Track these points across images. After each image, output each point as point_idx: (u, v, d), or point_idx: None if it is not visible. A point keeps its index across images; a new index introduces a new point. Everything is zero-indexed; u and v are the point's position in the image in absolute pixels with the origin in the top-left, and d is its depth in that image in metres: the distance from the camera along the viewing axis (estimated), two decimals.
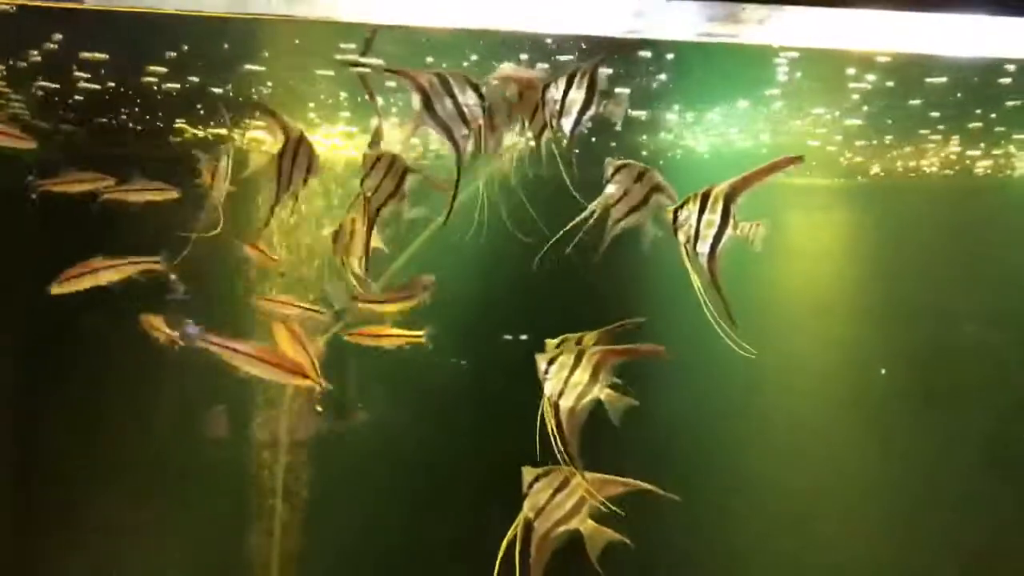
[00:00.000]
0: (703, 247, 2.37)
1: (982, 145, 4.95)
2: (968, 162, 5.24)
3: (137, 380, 4.55)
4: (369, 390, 5.02)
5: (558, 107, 2.49)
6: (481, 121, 2.49)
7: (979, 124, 4.52)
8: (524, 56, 3.17)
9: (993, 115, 4.34)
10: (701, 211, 2.37)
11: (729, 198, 2.36)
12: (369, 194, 2.64)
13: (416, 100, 2.43)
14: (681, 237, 2.41)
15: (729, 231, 2.35)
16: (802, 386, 4.94)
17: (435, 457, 4.79)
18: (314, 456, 4.82)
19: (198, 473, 4.74)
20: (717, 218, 2.35)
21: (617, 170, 2.54)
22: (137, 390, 4.66)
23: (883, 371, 4.93)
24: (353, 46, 3.30)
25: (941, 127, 4.60)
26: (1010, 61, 3.58)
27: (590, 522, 2.47)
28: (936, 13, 3.04)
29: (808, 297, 5.09)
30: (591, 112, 2.49)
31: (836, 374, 5.05)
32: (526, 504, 2.46)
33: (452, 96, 2.44)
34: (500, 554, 2.43)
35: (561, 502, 2.45)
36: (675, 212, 2.42)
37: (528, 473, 2.47)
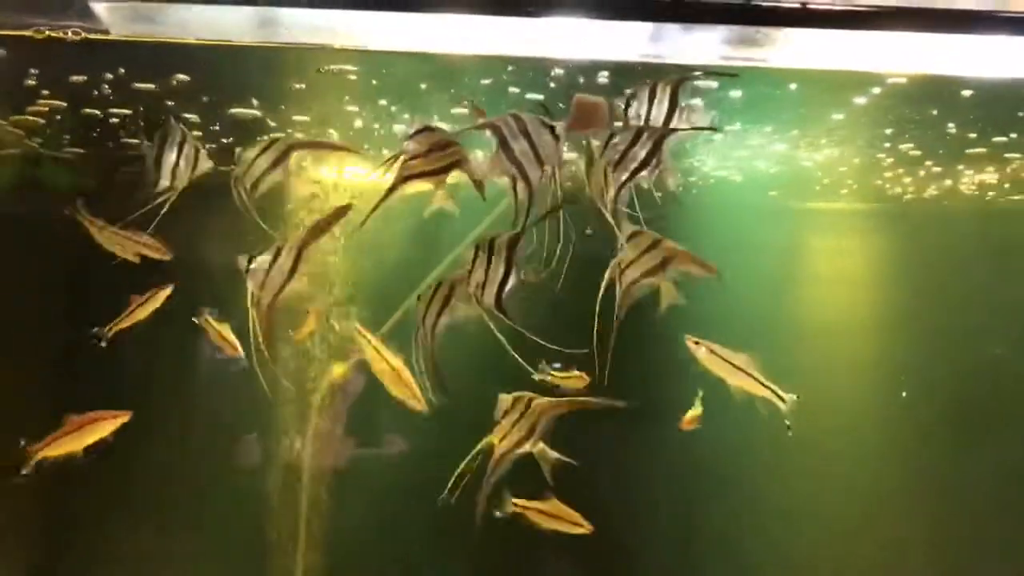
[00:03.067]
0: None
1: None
2: (998, 185, 5.16)
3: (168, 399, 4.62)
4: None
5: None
6: (555, 163, 2.48)
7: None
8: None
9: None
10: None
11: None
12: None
13: (493, 142, 2.43)
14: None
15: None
16: (830, 414, 4.85)
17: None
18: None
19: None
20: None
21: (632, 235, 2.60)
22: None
23: (904, 395, 4.83)
24: None
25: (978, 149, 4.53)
26: None
27: (540, 444, 2.74)
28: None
29: (842, 323, 5.01)
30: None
31: (866, 400, 4.96)
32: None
33: (527, 136, 2.45)
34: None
35: (521, 426, 2.71)
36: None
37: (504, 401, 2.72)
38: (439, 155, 2.53)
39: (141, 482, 4.61)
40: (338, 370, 4.32)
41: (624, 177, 2.48)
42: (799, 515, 4.85)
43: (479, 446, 2.81)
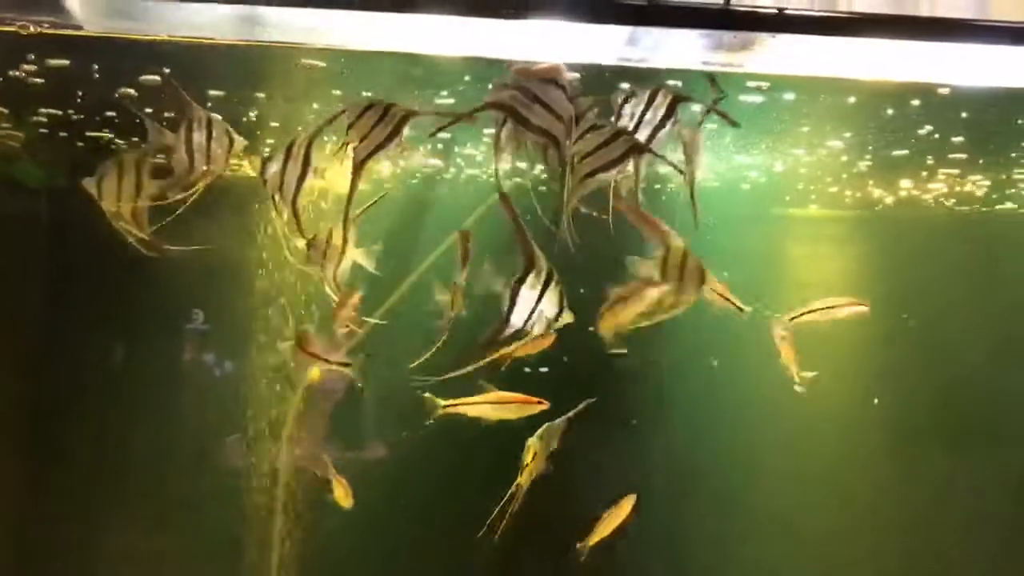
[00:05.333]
0: None
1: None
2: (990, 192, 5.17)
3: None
4: None
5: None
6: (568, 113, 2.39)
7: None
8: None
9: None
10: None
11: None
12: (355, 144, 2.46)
13: (508, 124, 2.36)
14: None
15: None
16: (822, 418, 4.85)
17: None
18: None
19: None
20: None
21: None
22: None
23: (876, 401, 4.83)
24: None
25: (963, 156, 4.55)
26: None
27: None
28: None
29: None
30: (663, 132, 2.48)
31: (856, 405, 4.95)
32: None
33: (538, 100, 2.37)
34: None
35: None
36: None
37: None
38: (385, 123, 2.46)
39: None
40: (314, 373, 4.28)
41: (585, 171, 2.46)
42: (775, 520, 4.85)
43: None
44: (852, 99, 3.70)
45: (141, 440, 4.67)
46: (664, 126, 2.48)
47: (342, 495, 4.08)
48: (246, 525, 4.67)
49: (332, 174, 2.63)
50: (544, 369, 3.15)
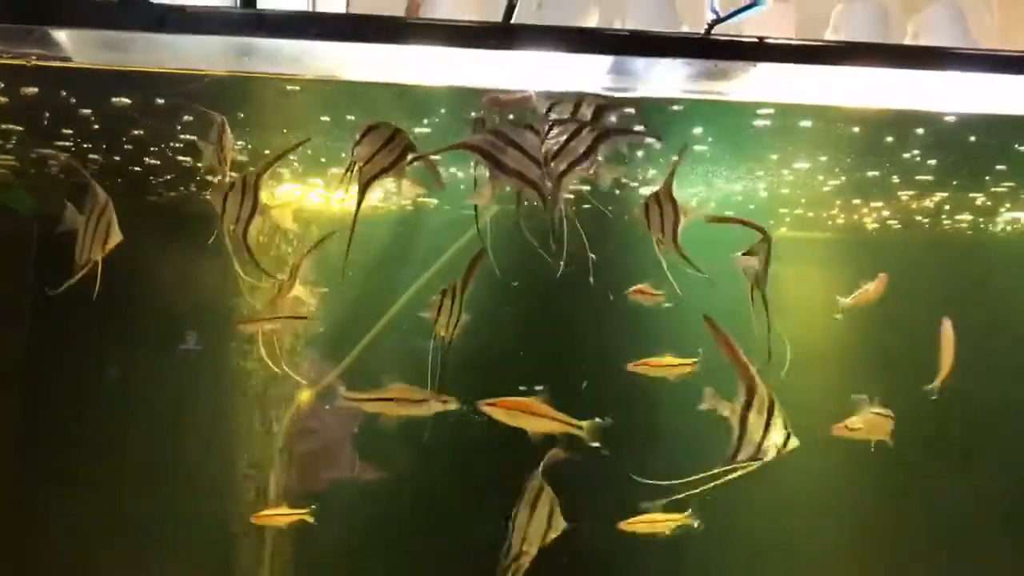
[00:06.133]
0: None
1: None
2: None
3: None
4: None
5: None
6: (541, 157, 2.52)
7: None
8: None
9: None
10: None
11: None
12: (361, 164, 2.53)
13: (486, 166, 2.47)
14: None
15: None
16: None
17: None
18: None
19: None
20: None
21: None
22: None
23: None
24: None
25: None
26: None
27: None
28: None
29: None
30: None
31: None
32: None
33: (513, 144, 2.48)
34: None
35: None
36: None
37: None
38: (390, 148, 2.51)
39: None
40: (304, 396, 4.30)
41: (562, 168, 2.51)
42: (757, 537, 4.81)
43: None
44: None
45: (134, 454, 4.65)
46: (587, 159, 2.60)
47: None
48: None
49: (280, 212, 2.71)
50: None
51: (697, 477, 2.51)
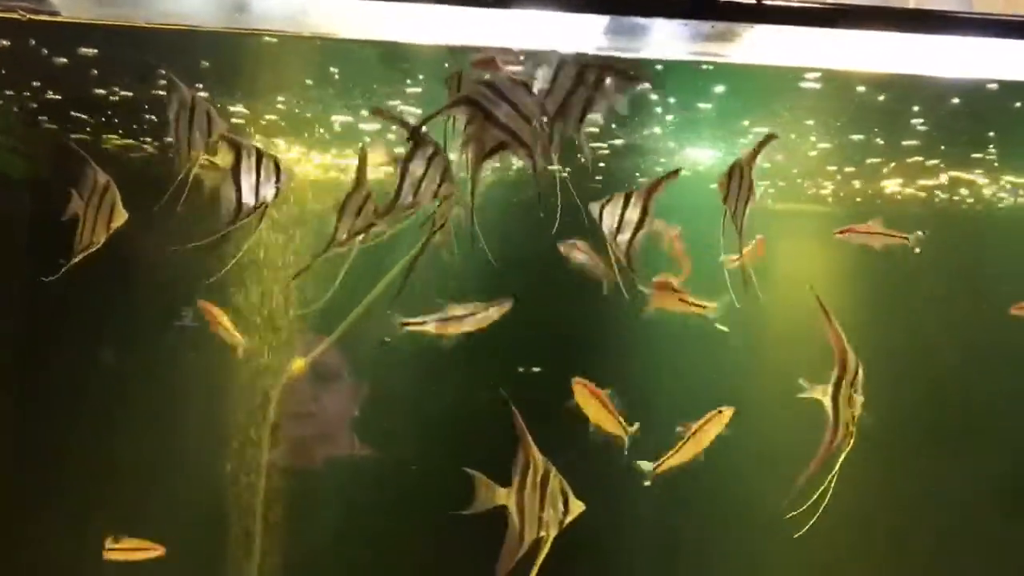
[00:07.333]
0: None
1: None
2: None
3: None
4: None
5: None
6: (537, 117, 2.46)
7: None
8: None
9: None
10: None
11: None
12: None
13: (476, 119, 2.39)
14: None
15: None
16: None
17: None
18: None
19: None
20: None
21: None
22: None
23: None
24: None
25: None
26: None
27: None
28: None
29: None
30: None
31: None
32: None
33: (506, 99, 2.40)
34: None
35: None
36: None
37: None
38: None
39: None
40: (297, 364, 4.29)
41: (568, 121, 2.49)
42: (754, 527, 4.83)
43: None
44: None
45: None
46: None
47: None
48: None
49: None
50: None
51: None
